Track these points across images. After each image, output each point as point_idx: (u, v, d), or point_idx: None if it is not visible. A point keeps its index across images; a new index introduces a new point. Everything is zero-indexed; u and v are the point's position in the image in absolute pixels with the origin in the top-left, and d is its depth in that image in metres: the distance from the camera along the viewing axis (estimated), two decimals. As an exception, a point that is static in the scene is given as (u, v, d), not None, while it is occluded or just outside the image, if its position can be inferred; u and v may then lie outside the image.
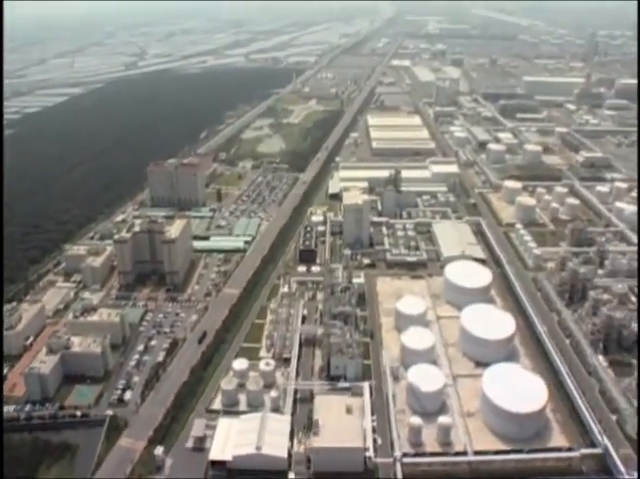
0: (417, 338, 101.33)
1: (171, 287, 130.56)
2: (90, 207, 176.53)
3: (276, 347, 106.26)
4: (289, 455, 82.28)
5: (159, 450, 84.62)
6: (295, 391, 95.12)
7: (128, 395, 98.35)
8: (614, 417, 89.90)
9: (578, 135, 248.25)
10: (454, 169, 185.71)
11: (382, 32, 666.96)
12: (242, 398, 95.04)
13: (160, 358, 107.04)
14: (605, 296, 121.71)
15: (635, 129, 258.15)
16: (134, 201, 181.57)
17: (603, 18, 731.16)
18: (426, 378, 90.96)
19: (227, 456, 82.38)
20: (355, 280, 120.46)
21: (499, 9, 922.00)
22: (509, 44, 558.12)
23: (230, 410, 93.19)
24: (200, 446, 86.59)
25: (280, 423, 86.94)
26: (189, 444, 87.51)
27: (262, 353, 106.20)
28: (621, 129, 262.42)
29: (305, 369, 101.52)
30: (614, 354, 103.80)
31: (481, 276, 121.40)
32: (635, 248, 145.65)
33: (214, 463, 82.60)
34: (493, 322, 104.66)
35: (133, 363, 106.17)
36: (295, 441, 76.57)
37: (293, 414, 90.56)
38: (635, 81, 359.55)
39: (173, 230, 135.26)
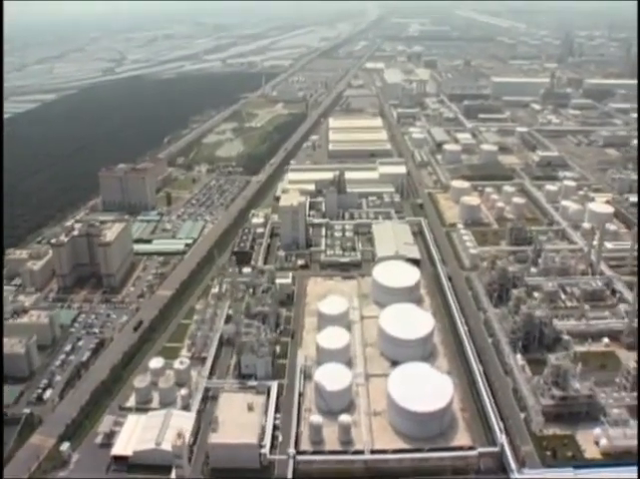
0: (332, 338, 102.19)
1: (108, 289, 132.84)
2: (43, 212, 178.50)
3: (197, 347, 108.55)
4: (191, 451, 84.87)
5: (65, 446, 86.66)
6: (207, 389, 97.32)
7: (48, 394, 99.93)
8: (523, 415, 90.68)
9: (539, 134, 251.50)
10: (402, 170, 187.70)
11: (363, 35, 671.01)
12: (156, 396, 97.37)
13: (85, 358, 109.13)
14: (536, 294, 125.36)
15: (595, 128, 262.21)
16: (87, 206, 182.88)
17: (589, 19, 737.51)
18: (332, 377, 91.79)
19: (129, 451, 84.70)
20: (282, 281, 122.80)
21: (485, 10, 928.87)
22: (488, 45, 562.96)
23: (143, 408, 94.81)
24: (108, 442, 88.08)
25: (184, 419, 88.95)
26: (98, 440, 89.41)
27: (183, 352, 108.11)
28: (582, 128, 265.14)
29: (221, 368, 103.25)
30: (535, 353, 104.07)
31: (409, 276, 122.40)
32: (571, 246, 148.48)
33: (117, 458, 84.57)
34: (412, 322, 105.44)
35: (58, 363, 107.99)
36: (176, 437, 78.37)
37: (201, 411, 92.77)
38: (603, 80, 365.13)
39: (110, 233, 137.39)
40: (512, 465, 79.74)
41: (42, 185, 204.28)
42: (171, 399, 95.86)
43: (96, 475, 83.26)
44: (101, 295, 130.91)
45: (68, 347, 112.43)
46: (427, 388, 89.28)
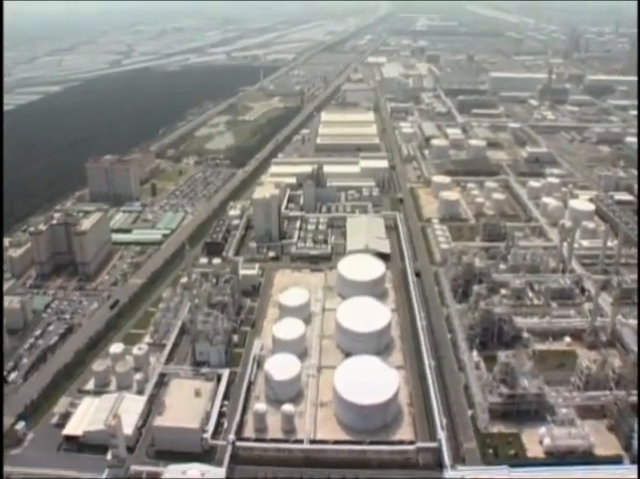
0: (288, 329, 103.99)
1: (83, 277, 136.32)
2: (32, 201, 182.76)
3: (159, 334, 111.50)
4: (139, 433, 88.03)
5: (20, 425, 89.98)
6: (163, 375, 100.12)
7: (13, 376, 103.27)
8: (470, 412, 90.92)
9: (532, 131, 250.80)
10: (383, 164, 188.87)
11: (370, 29, 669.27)
12: (114, 380, 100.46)
13: (52, 342, 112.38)
14: (503, 291, 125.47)
15: (591, 124, 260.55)
16: (74, 196, 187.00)
17: (602, 16, 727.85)
18: (282, 367, 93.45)
19: (80, 432, 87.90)
20: (248, 272, 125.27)
21: (495, 7, 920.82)
22: (495, 40, 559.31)
23: (101, 391, 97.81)
24: (63, 423, 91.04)
25: (135, 403, 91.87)
26: (54, 421, 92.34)
27: (146, 339, 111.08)
28: (577, 125, 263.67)
29: (180, 355, 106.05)
30: (493, 350, 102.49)
31: (373, 270, 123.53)
32: (546, 243, 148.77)
33: (68, 438, 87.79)
34: (368, 316, 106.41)
35: (26, 346, 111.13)
36: (112, 417, 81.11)
37: (154, 396, 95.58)
38: (604, 77, 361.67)
39: (87, 222, 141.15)
40: (447, 461, 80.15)
41: (35, 174, 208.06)
42: (128, 383, 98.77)
43: (47, 453, 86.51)
44: (76, 283, 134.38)
45: (38, 332, 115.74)
46: (372, 381, 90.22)
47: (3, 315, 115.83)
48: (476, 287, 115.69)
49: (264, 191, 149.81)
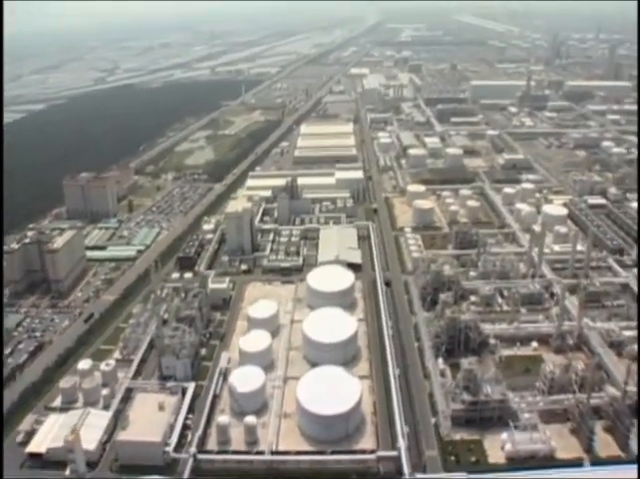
0: (254, 341, 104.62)
1: (56, 295, 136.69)
2: (8, 219, 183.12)
3: (128, 349, 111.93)
4: (103, 448, 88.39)
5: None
6: (130, 390, 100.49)
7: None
8: (434, 420, 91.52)
9: (510, 137, 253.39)
10: (358, 175, 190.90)
11: (355, 41, 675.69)
12: (81, 396, 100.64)
13: (22, 360, 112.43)
14: (473, 298, 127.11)
15: (569, 130, 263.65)
16: (52, 214, 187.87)
17: (586, 22, 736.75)
18: (246, 379, 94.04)
19: (43, 449, 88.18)
20: (217, 286, 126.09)
21: (483, 14, 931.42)
22: (478, 49, 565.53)
23: (67, 407, 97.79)
24: (28, 440, 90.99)
25: (99, 418, 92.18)
26: (19, 439, 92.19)
27: (116, 355, 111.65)
28: (555, 130, 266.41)
29: (148, 370, 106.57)
30: (459, 357, 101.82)
31: (342, 281, 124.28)
32: (518, 249, 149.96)
33: (32, 455, 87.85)
34: (335, 326, 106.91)
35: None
36: (70, 433, 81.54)
37: (120, 411, 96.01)
38: (583, 82, 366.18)
39: (60, 240, 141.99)
40: (405, 469, 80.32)
41: (13, 193, 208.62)
42: (95, 399, 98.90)
43: (10, 471, 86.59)
44: (48, 301, 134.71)
45: (7, 351, 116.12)
46: (335, 391, 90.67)
47: (3, 318, 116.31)
48: (442, 296, 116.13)
49: (237, 204, 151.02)
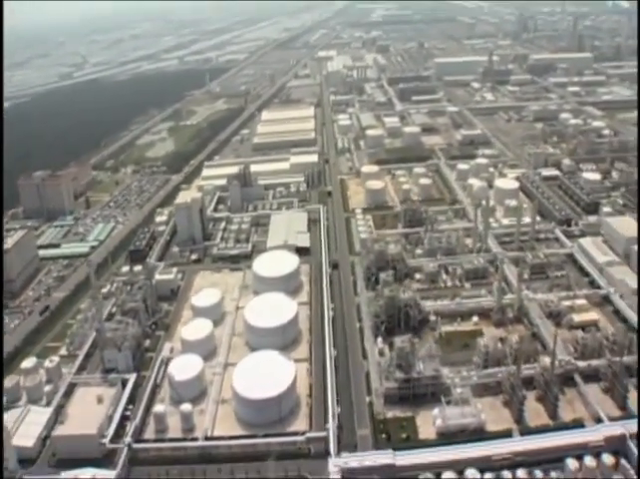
0: (196, 330, 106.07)
1: (8, 295, 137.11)
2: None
3: (74, 345, 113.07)
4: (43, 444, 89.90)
5: None
6: (73, 385, 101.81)
7: None
8: (368, 399, 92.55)
9: (470, 113, 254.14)
10: (313, 159, 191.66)
11: (325, 23, 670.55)
12: (24, 394, 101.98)
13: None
14: (417, 276, 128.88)
15: (529, 103, 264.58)
16: (8, 214, 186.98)
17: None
18: (184, 367, 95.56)
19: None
20: (165, 277, 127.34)
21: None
22: (448, 26, 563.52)
23: (12, 406, 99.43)
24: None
25: (39, 415, 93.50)
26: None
27: (62, 351, 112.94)
28: (516, 104, 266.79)
29: (93, 364, 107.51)
30: (399, 335, 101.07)
31: (287, 265, 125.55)
32: (467, 225, 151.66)
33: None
34: (275, 311, 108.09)
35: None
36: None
37: (62, 406, 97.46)
38: (547, 55, 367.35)
39: (10, 241, 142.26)
40: (331, 450, 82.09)
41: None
42: (38, 396, 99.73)
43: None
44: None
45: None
46: (269, 375, 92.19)
47: (3, 312, 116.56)
48: (382, 275, 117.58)
49: (187, 195, 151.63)
